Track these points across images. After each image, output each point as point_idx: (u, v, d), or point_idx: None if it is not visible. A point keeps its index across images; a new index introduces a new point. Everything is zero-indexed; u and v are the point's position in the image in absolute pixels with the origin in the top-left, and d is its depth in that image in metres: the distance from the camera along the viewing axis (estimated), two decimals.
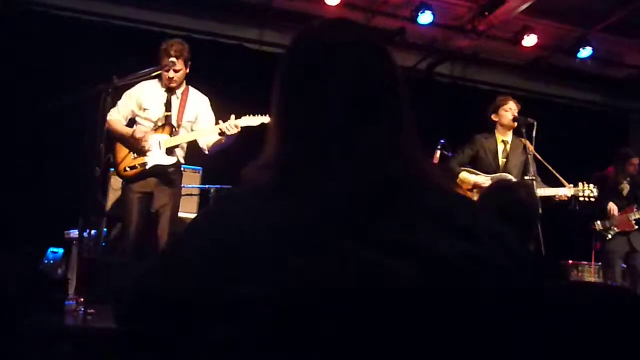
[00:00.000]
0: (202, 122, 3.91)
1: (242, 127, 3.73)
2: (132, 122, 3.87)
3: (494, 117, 4.45)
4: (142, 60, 3.81)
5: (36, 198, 4.98)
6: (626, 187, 5.19)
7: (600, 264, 5.32)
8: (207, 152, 3.96)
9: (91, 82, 3.33)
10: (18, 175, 5.14)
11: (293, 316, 0.74)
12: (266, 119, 3.74)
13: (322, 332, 0.74)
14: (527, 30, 6.21)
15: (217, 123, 3.84)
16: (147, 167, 3.72)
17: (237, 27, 6.18)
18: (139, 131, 3.73)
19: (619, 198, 5.19)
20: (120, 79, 3.33)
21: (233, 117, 3.75)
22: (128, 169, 3.73)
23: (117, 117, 3.77)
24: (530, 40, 6.25)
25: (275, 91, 0.94)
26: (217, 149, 3.92)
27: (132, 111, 3.83)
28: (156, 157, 3.74)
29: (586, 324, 0.75)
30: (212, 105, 3.98)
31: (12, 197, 4.96)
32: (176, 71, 3.74)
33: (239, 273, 0.78)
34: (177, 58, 3.70)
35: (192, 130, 3.89)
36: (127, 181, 3.74)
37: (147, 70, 3.60)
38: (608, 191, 5.20)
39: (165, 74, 3.73)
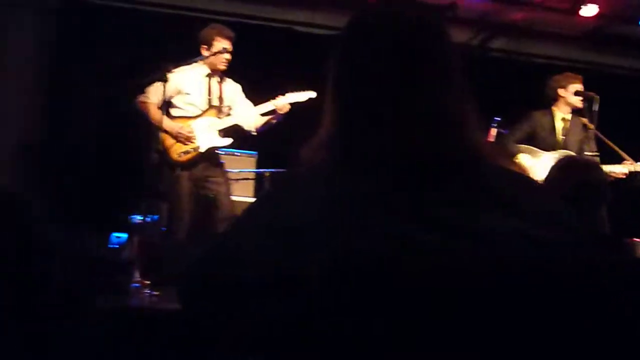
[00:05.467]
0: (238, 108, 3.96)
1: (291, 103, 3.80)
2: (165, 106, 3.87)
3: (560, 92, 4.28)
4: (193, 47, 3.87)
5: (99, 184, 5.16)
6: None
7: None
8: (254, 133, 4.00)
9: (145, 70, 3.41)
10: (82, 163, 5.34)
11: (346, 296, 0.75)
12: (312, 94, 3.77)
13: (376, 312, 0.74)
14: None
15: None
16: (202, 150, 3.76)
17: (287, 10, 6.17)
18: (180, 131, 3.75)
19: None
20: (174, 67, 3.39)
21: (281, 97, 3.81)
22: (182, 154, 3.76)
23: (152, 101, 3.76)
24: (589, 10, 5.99)
25: (332, 70, 0.94)
26: (263, 129, 3.98)
27: (169, 96, 3.79)
28: (209, 139, 3.78)
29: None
30: (259, 90, 4.04)
31: (77, 185, 5.17)
32: (230, 53, 3.78)
33: (294, 253, 0.79)
34: (231, 40, 3.75)
35: (228, 115, 3.94)
36: (182, 167, 3.76)
37: (198, 57, 3.65)
38: None
39: (220, 56, 3.76)
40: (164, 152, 3.78)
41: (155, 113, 3.74)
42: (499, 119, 4.42)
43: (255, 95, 4.11)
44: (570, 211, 0.88)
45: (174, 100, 3.82)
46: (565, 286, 0.75)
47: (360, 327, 0.74)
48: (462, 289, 0.74)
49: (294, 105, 3.84)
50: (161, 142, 3.76)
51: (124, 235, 4.50)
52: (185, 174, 3.76)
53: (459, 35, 6.38)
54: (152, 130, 3.39)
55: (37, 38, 5.59)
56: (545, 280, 0.75)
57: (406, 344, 0.73)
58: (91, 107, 5.20)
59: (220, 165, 3.92)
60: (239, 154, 4.84)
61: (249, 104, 4.00)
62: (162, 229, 4.08)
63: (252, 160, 4.97)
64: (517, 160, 4.22)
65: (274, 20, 6.07)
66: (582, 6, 5.97)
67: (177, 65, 3.46)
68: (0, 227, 0.83)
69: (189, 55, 3.70)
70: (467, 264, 0.75)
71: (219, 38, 3.76)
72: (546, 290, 0.74)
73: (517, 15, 6.27)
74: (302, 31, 6.15)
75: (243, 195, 4.60)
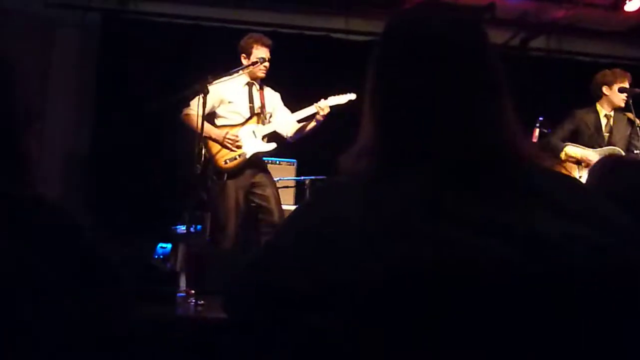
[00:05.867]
0: (278, 116, 4.04)
1: (330, 107, 3.86)
2: (210, 117, 3.95)
3: (605, 90, 4.19)
4: (232, 58, 3.93)
5: (143, 195, 5.27)
6: None
7: None
8: (289, 140, 4.07)
9: (187, 82, 3.47)
10: (126, 174, 5.46)
11: (387, 301, 0.75)
12: (352, 96, 3.81)
13: (417, 317, 0.73)
14: None
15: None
16: (248, 156, 3.83)
17: (323, 17, 6.20)
18: (227, 137, 3.83)
19: None
20: (214, 78, 3.45)
21: (322, 100, 3.87)
22: (227, 161, 3.84)
23: (196, 112, 3.80)
24: (633, 5, 5.83)
25: (370, 76, 0.94)
26: (297, 135, 4.04)
27: (213, 106, 3.89)
28: (254, 145, 3.85)
29: None
30: (296, 98, 4.13)
31: (121, 195, 5.30)
32: (269, 61, 3.86)
33: (335, 260, 0.79)
34: (270, 48, 3.80)
35: (269, 122, 4.01)
36: (228, 174, 3.84)
37: (239, 67, 3.71)
38: None
39: (259, 64, 3.84)
40: (211, 160, 3.87)
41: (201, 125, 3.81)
42: (542, 118, 4.35)
43: (293, 102, 4.19)
44: (621, 212, 0.86)
45: (218, 111, 3.92)
46: (621, 290, 0.73)
47: (406, 331, 0.73)
48: (511, 292, 0.73)
49: (333, 109, 3.89)
50: (207, 151, 3.85)
51: (169, 246, 4.57)
52: (231, 183, 3.83)
53: (499, 36, 6.29)
54: (195, 141, 3.44)
55: (80, 52, 5.78)
56: (600, 283, 0.73)
57: (453, 347, 0.72)
58: (135, 119, 5.32)
59: (266, 170, 4.01)
60: (278, 162, 4.88)
61: (287, 111, 4.08)
62: (207, 239, 4.14)
63: (292, 168, 5.00)
64: (566, 151, 4.14)
65: (309, 28, 6.11)
66: (626, 1, 5.81)
67: (216, 76, 3.52)
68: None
69: (229, 66, 3.76)
70: (516, 267, 0.73)
71: (257, 46, 3.85)
72: (600, 294, 0.72)
73: (558, 13, 6.14)
74: (338, 38, 6.17)
75: (284, 203, 4.63)
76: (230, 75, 3.73)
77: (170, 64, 5.46)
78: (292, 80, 4.26)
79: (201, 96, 3.41)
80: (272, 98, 4.09)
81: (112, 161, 5.53)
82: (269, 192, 3.90)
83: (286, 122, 4.02)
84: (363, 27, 6.04)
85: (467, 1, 5.84)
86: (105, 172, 5.53)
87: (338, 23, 6.25)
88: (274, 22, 5.91)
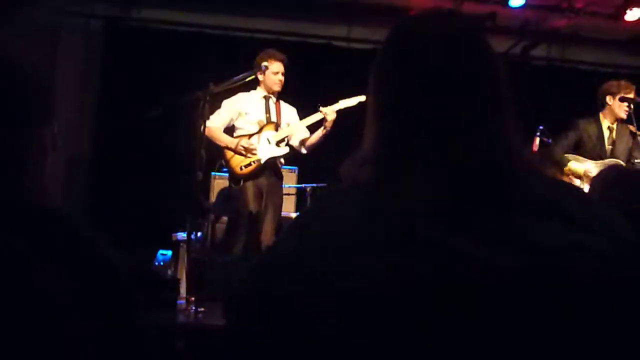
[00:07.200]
0: (293, 130, 4.18)
1: (341, 109, 4.00)
2: (229, 129, 4.10)
3: (608, 99, 4.18)
4: (235, 65, 3.97)
5: (142, 202, 5.26)
6: None
7: None
8: (304, 152, 4.21)
9: (189, 89, 3.48)
10: (127, 180, 5.47)
11: (388, 311, 0.75)
12: (362, 98, 3.89)
13: (418, 327, 0.73)
14: (630, 4, 5.81)
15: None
16: (262, 162, 3.97)
17: (325, 25, 6.22)
18: (241, 144, 3.96)
19: None
20: (216, 85, 3.46)
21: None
22: (243, 167, 3.97)
23: (216, 125, 4.01)
24: (633, 14, 5.85)
25: (372, 84, 0.94)
26: (311, 147, 4.15)
27: (231, 119, 4.09)
28: (268, 150, 3.98)
29: None
30: (303, 104, 4.27)
31: (121, 202, 5.30)
32: (283, 75, 4.01)
33: (335, 268, 0.79)
34: (283, 63, 3.95)
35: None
36: (244, 179, 3.98)
37: (242, 75, 3.73)
38: None
39: (274, 78, 3.99)
40: (227, 167, 4.05)
41: (219, 135, 4.02)
42: (542, 127, 4.35)
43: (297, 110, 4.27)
44: (626, 222, 0.86)
45: (236, 123, 4.11)
46: (628, 300, 0.73)
47: (406, 340, 0.73)
48: (515, 302, 0.73)
49: (340, 112, 3.99)
50: (224, 159, 4.03)
51: (169, 253, 4.57)
52: (250, 186, 3.93)
53: (500, 44, 6.29)
54: (198, 147, 3.45)
55: (84, 59, 5.81)
56: (607, 294, 0.73)
57: (454, 355, 0.72)
58: (136, 125, 5.33)
59: (280, 176, 4.14)
60: None
61: (302, 127, 4.20)
62: (209, 245, 4.15)
63: (293, 176, 5.00)
64: (569, 168, 4.13)
65: (312, 35, 6.13)
66: (627, 11, 5.83)
67: (218, 83, 3.53)
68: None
69: (231, 73, 3.77)
70: (521, 277, 0.73)
71: (271, 61, 3.98)
72: (608, 304, 0.72)
73: (559, 22, 6.16)
74: (340, 46, 6.19)
75: (285, 210, 4.63)
76: (232, 82, 3.75)
77: (172, 71, 5.48)
78: (293, 88, 4.30)
79: (203, 103, 3.41)
80: (289, 112, 4.24)
81: (114, 167, 5.54)
82: (271, 208, 3.98)
83: (299, 130, 4.14)
84: (365, 35, 6.05)
85: (468, 9, 5.91)
86: (107, 177, 5.54)
87: (340, 31, 6.27)
88: (276, 30, 5.93)
